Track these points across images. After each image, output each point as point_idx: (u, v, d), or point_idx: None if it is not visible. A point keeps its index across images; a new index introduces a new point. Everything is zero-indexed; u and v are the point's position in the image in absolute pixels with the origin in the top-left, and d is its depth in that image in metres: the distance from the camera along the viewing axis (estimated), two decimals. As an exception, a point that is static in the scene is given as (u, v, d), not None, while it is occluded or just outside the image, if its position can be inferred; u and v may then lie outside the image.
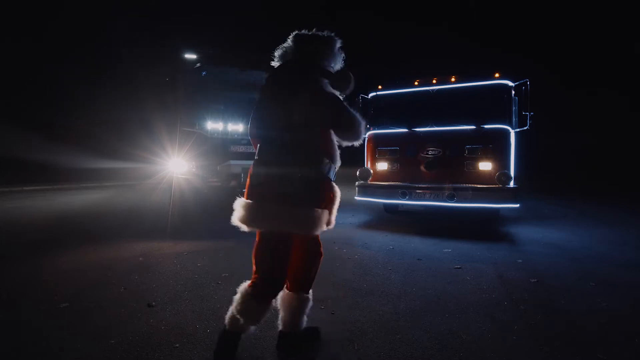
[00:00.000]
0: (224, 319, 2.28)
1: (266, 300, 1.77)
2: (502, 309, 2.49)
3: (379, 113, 6.13)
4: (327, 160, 1.80)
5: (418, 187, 5.22)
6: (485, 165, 5.06)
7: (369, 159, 5.96)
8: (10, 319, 2.30)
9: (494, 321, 2.29)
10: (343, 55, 2.00)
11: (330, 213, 1.85)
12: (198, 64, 6.17)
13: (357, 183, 5.77)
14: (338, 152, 1.91)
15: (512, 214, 6.72)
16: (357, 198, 5.77)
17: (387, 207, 6.91)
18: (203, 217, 6.17)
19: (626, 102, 18.62)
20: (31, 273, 3.20)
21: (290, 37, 1.94)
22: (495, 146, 5.07)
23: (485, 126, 5.11)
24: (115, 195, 10.32)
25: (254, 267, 1.83)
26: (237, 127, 6.73)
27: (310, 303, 1.98)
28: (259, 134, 1.90)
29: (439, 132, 5.38)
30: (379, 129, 5.97)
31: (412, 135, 5.53)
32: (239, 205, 1.84)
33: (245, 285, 1.80)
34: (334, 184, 1.88)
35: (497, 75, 5.33)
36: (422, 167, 5.39)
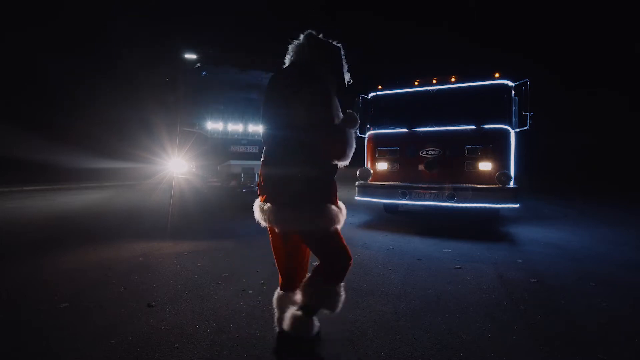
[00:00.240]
0: (224, 319, 2.30)
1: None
2: (502, 309, 2.48)
3: (379, 113, 6.13)
4: (333, 160, 1.87)
5: (418, 187, 5.22)
6: (485, 165, 5.06)
7: (369, 159, 5.96)
8: (10, 319, 2.30)
9: (494, 321, 2.29)
10: (347, 66, 2.03)
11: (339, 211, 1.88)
12: (198, 64, 6.17)
13: (357, 183, 5.77)
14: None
15: (512, 214, 6.72)
16: (357, 198, 5.77)
17: (387, 207, 6.91)
18: (203, 217, 6.18)
19: (626, 102, 18.62)
20: (31, 273, 3.20)
21: (304, 36, 1.95)
22: (495, 146, 5.07)
23: (485, 126, 5.11)
24: (115, 195, 10.32)
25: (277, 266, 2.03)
26: (237, 127, 6.73)
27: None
28: (268, 134, 1.93)
29: (439, 132, 5.38)
30: (379, 129, 5.97)
31: (412, 135, 5.53)
32: (257, 207, 1.95)
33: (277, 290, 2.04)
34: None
35: (497, 75, 5.33)
36: (422, 167, 5.39)
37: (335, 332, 2.14)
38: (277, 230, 1.88)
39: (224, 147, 6.48)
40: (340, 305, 1.88)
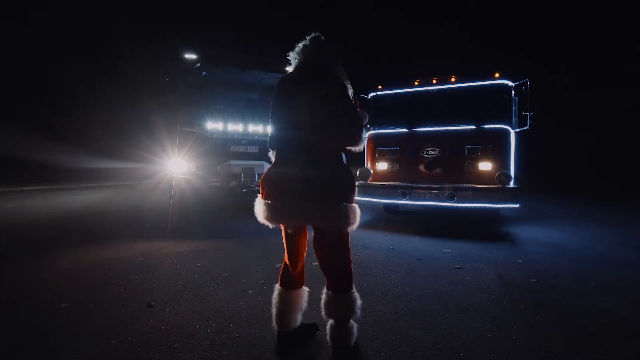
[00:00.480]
0: (224, 319, 2.30)
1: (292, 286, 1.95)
2: (502, 309, 2.48)
3: (379, 113, 6.13)
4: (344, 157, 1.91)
5: (418, 187, 5.22)
6: (485, 165, 5.06)
7: (369, 159, 5.96)
8: (10, 319, 2.30)
9: (494, 321, 2.29)
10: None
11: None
12: (198, 64, 6.17)
13: (357, 183, 5.76)
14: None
15: (512, 214, 6.72)
16: (357, 198, 5.75)
17: (387, 207, 6.91)
18: (203, 217, 6.18)
19: (626, 102, 18.62)
20: (31, 273, 3.20)
21: (311, 38, 1.96)
22: (495, 146, 5.07)
23: (485, 126, 5.11)
24: (115, 195, 10.32)
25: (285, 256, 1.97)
26: (237, 127, 6.73)
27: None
28: (281, 135, 1.91)
29: (439, 132, 5.38)
30: (379, 129, 5.97)
31: (412, 135, 5.53)
32: (262, 206, 1.87)
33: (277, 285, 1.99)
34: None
35: (497, 75, 5.33)
36: (422, 167, 5.39)
37: (335, 332, 2.14)
38: (297, 226, 1.87)
39: (224, 147, 6.48)
40: (359, 309, 1.86)
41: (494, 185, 4.85)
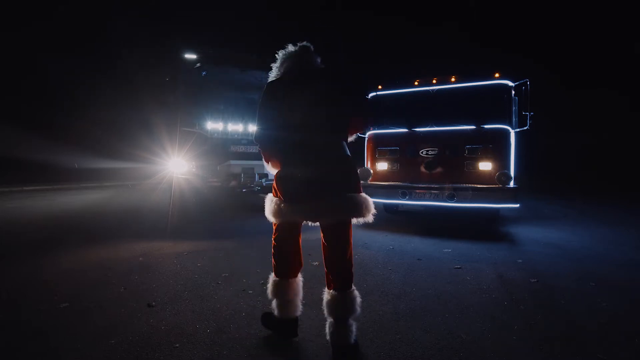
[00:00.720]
0: (224, 319, 2.30)
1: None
2: (502, 309, 2.49)
3: (379, 113, 6.12)
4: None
5: (418, 187, 5.22)
6: (485, 165, 5.06)
7: (369, 159, 5.95)
8: (10, 319, 2.30)
9: (494, 321, 2.29)
10: None
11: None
12: (198, 64, 6.17)
13: (357, 183, 5.76)
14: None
15: (512, 214, 6.72)
16: (357, 198, 5.76)
17: (387, 207, 6.91)
18: (203, 217, 6.18)
19: (626, 102, 18.61)
20: (31, 273, 3.20)
21: (301, 47, 2.01)
22: (495, 146, 5.06)
23: (485, 126, 5.11)
24: (115, 195, 10.32)
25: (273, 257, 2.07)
26: (237, 127, 6.73)
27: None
28: (282, 136, 1.93)
29: (439, 132, 5.38)
30: (379, 128, 5.96)
31: (412, 135, 5.53)
32: (273, 204, 1.93)
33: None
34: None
35: (497, 75, 5.33)
36: (422, 167, 5.38)
37: (335, 332, 2.14)
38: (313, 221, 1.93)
39: (224, 147, 6.48)
40: (359, 307, 1.90)
41: (494, 185, 4.85)
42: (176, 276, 3.13)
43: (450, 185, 4.99)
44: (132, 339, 2.02)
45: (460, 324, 2.25)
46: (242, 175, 6.56)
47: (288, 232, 2.03)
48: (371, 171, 5.79)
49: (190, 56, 6.04)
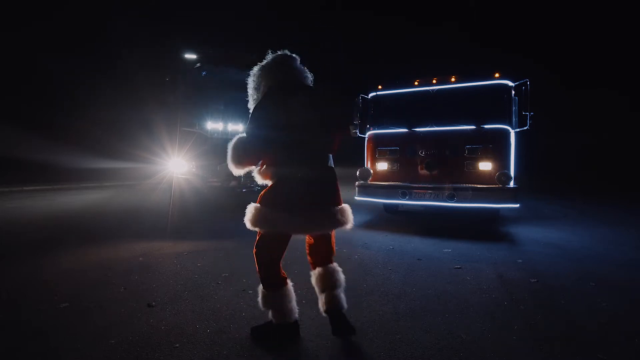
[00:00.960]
0: (224, 319, 2.30)
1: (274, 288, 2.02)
2: (502, 309, 2.48)
3: (379, 113, 6.12)
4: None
5: (418, 187, 5.22)
6: (485, 165, 5.06)
7: (369, 159, 5.95)
8: (10, 319, 2.30)
9: (494, 321, 2.29)
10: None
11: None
12: (198, 64, 6.17)
13: (357, 183, 5.76)
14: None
15: (512, 214, 6.72)
16: (357, 198, 5.77)
17: (387, 207, 6.91)
18: (203, 217, 6.18)
19: (626, 102, 18.62)
20: (31, 273, 3.20)
21: (285, 56, 2.08)
22: (495, 146, 5.06)
23: (485, 126, 5.11)
24: (115, 195, 10.32)
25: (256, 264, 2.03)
26: (237, 127, 6.73)
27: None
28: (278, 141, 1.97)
29: (439, 132, 5.38)
30: (379, 129, 5.96)
31: (412, 135, 5.53)
32: (260, 213, 1.95)
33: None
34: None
35: (497, 75, 5.33)
36: (422, 167, 5.38)
37: (335, 332, 2.14)
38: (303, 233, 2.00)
39: (224, 147, 6.47)
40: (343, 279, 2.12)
41: (494, 185, 4.85)
42: (176, 276, 3.13)
43: (450, 185, 4.99)
44: (132, 339, 2.02)
45: (460, 324, 2.25)
46: (242, 175, 6.56)
47: (279, 241, 1.99)
48: (371, 171, 5.79)
49: (190, 56, 6.04)
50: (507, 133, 5.10)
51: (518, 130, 5.29)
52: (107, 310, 2.41)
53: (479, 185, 4.93)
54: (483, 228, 5.48)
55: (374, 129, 6.00)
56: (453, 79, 5.56)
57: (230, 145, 2.00)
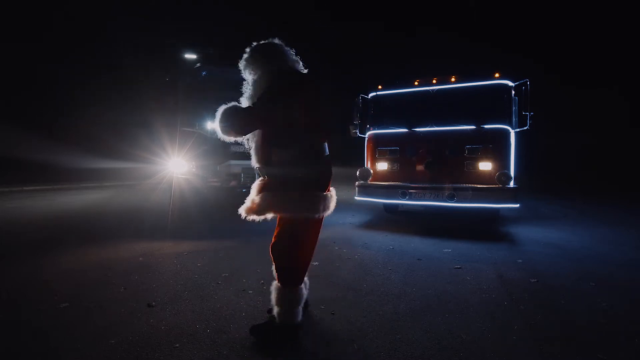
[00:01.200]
0: (224, 319, 2.30)
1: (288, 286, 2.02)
2: (502, 309, 2.48)
3: (379, 113, 6.12)
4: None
5: (418, 187, 5.22)
6: (485, 165, 5.06)
7: (369, 159, 5.95)
8: (10, 319, 2.30)
9: (494, 321, 2.29)
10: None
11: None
12: (198, 64, 6.17)
13: (357, 183, 5.77)
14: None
15: (512, 214, 6.72)
16: (357, 198, 5.77)
17: (387, 207, 6.91)
18: (203, 217, 6.17)
19: (626, 102, 18.62)
20: (31, 273, 3.20)
21: (274, 44, 2.11)
22: (495, 146, 5.07)
23: (485, 126, 5.11)
24: (115, 195, 10.32)
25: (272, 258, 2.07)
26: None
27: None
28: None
29: (439, 132, 5.38)
30: (379, 129, 5.96)
31: (412, 135, 5.53)
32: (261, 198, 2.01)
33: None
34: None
35: (497, 75, 5.33)
36: (422, 167, 5.38)
37: (335, 332, 2.14)
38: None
39: (224, 147, 6.48)
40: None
41: (494, 185, 4.85)
42: (176, 276, 3.13)
43: (450, 185, 4.99)
44: (132, 339, 2.02)
45: (460, 324, 2.25)
46: (242, 175, 6.56)
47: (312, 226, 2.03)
48: (371, 171, 5.79)
49: (190, 56, 6.04)
50: (507, 133, 5.10)
51: (518, 130, 5.29)
52: (107, 310, 2.41)
53: (479, 185, 4.93)
54: (483, 228, 5.48)
55: (374, 129, 6.00)
56: (453, 79, 5.56)
57: (231, 110, 1.93)
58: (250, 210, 1.99)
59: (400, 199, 5.34)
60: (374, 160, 5.87)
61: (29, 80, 18.95)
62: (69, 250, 3.98)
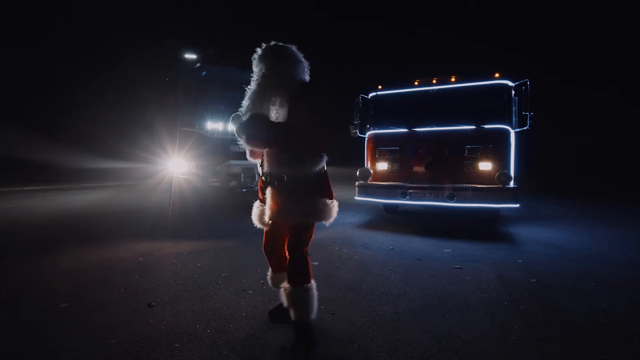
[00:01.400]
0: (224, 319, 2.30)
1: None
2: (502, 309, 2.48)
3: (379, 113, 6.12)
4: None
5: (418, 187, 5.22)
6: (485, 165, 5.06)
7: (369, 159, 5.95)
8: (10, 319, 2.30)
9: (494, 321, 2.29)
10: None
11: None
12: (198, 64, 6.17)
13: (357, 183, 5.77)
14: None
15: (512, 214, 6.72)
16: (357, 198, 5.77)
17: (387, 207, 6.91)
18: (203, 217, 6.18)
19: (626, 102, 18.62)
20: (31, 273, 3.20)
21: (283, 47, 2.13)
22: (495, 146, 5.06)
23: (485, 126, 5.11)
24: (115, 195, 10.32)
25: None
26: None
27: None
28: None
29: (439, 132, 5.38)
30: (379, 129, 5.96)
31: (412, 135, 5.53)
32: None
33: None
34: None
35: (497, 75, 5.33)
36: (422, 167, 5.38)
37: (335, 332, 2.14)
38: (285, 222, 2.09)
39: (224, 147, 6.48)
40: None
41: (494, 185, 4.85)
42: (176, 276, 3.13)
43: (450, 185, 4.99)
44: (132, 339, 2.02)
45: (460, 324, 2.25)
46: (242, 175, 6.56)
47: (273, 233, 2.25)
48: (371, 171, 5.79)
49: (190, 56, 6.04)
50: (507, 133, 5.10)
51: (518, 130, 5.29)
52: (107, 310, 2.41)
53: (479, 185, 4.93)
54: (483, 228, 5.48)
55: (374, 129, 6.00)
56: (453, 79, 5.56)
57: (256, 121, 2.01)
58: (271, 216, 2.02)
59: (400, 199, 5.34)
60: (374, 160, 5.87)
61: (29, 80, 18.95)
62: (69, 250, 3.98)
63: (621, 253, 4.05)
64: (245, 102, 2.07)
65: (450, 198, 4.90)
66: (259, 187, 2.22)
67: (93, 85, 19.38)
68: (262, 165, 2.17)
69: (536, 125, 5.20)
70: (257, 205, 2.21)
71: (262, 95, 2.03)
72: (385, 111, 6.09)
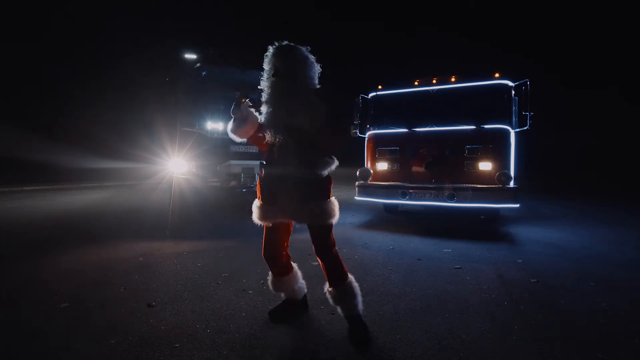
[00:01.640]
0: (224, 319, 2.30)
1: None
2: (502, 309, 2.48)
3: (379, 113, 6.12)
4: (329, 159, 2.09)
5: (418, 187, 5.22)
6: (485, 165, 5.06)
7: (369, 159, 5.95)
8: (10, 319, 2.30)
9: (494, 321, 2.29)
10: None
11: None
12: (198, 64, 6.17)
13: (357, 183, 5.77)
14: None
15: (512, 214, 6.72)
16: (357, 198, 5.77)
17: (387, 207, 6.91)
18: (203, 217, 6.17)
19: (626, 102, 18.62)
20: (31, 273, 3.20)
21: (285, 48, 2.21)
22: (495, 146, 5.06)
23: (485, 126, 5.11)
24: (115, 195, 10.32)
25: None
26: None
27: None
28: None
29: (439, 132, 5.38)
30: (379, 129, 5.96)
31: (412, 135, 5.53)
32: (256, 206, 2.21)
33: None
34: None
35: (497, 75, 5.33)
36: (422, 167, 5.38)
37: (335, 332, 2.14)
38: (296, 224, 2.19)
39: (224, 147, 6.48)
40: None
41: (494, 185, 4.85)
42: (176, 276, 3.13)
43: (450, 185, 4.99)
44: (132, 339, 2.02)
45: (460, 324, 2.25)
46: (242, 175, 6.56)
47: (273, 232, 2.39)
48: (371, 171, 5.79)
49: (190, 56, 6.04)
50: (507, 133, 5.10)
51: (518, 130, 5.29)
52: (107, 310, 2.41)
53: (479, 185, 4.93)
54: (483, 228, 5.48)
55: (374, 129, 6.00)
56: (453, 79, 5.56)
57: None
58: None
59: (400, 199, 5.34)
60: (374, 160, 5.87)
61: (29, 80, 18.95)
62: (69, 250, 3.98)
63: (621, 253, 4.05)
64: (264, 109, 2.26)
65: (450, 198, 4.90)
66: (258, 187, 2.22)
67: (93, 85, 19.38)
68: (264, 165, 2.21)
69: (536, 125, 5.20)
70: (257, 204, 2.20)
71: (280, 99, 2.13)
72: (385, 111, 6.09)
